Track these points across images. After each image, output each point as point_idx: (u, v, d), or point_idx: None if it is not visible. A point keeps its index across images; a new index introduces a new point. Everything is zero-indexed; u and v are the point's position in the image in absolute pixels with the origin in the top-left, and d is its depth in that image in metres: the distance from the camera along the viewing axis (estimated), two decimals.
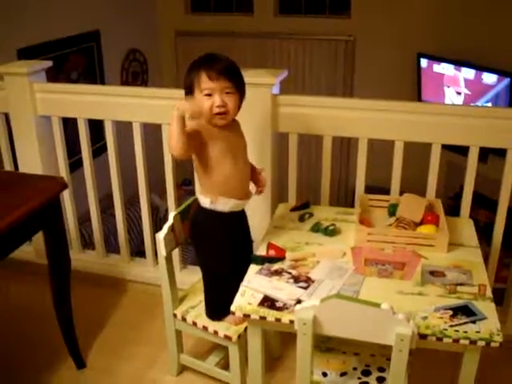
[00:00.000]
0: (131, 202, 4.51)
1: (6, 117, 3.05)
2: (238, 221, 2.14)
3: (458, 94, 5.10)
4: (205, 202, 2.06)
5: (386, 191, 2.61)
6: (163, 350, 2.51)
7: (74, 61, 4.89)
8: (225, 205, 2.04)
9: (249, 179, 2.15)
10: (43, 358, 2.59)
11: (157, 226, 3.09)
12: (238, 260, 2.10)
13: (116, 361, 2.57)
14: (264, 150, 2.57)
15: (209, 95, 1.92)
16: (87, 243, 3.88)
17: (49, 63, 2.98)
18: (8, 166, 3.15)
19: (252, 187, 2.19)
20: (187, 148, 1.89)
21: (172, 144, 1.89)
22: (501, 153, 2.45)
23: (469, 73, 4.93)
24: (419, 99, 5.50)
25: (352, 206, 2.63)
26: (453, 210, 3.99)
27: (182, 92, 2.75)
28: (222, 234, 2.09)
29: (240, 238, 2.18)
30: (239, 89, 1.97)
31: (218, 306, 2.18)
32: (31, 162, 2.99)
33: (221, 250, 2.11)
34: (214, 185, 2.03)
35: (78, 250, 3.24)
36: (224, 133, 1.99)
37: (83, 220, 3.88)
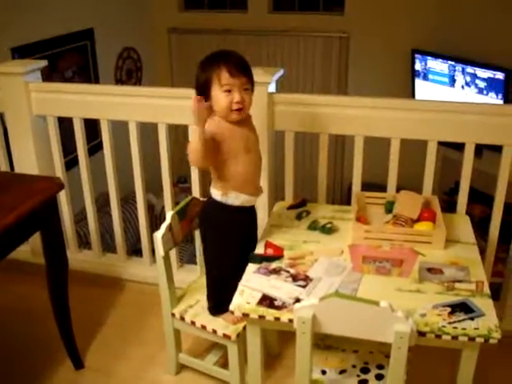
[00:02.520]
0: (126, 200, 4.50)
1: (1, 117, 3.04)
2: (247, 217, 2.15)
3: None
4: (216, 194, 2.07)
5: (382, 187, 2.61)
6: (161, 350, 2.51)
7: (68, 59, 4.87)
8: (235, 199, 2.05)
9: (260, 174, 2.15)
10: (41, 359, 2.58)
11: (153, 225, 3.10)
12: (243, 256, 2.09)
13: (114, 361, 2.57)
14: (260, 149, 2.56)
15: (228, 91, 1.92)
16: (83, 242, 3.88)
17: (44, 62, 2.97)
18: (3, 166, 3.14)
19: None
20: (208, 158, 1.93)
21: (194, 158, 1.91)
22: (495, 148, 2.46)
23: (463, 69, 4.94)
24: (413, 95, 5.51)
25: (347, 201, 2.63)
26: (448, 205, 4.02)
27: (178, 91, 2.75)
28: (231, 227, 2.10)
29: (248, 234, 2.18)
30: (253, 85, 2.01)
31: (221, 301, 2.17)
32: (27, 162, 2.98)
33: (228, 243, 2.11)
34: (226, 179, 2.03)
35: (75, 250, 3.24)
36: (237, 128, 2.00)
37: (79, 218, 3.88)
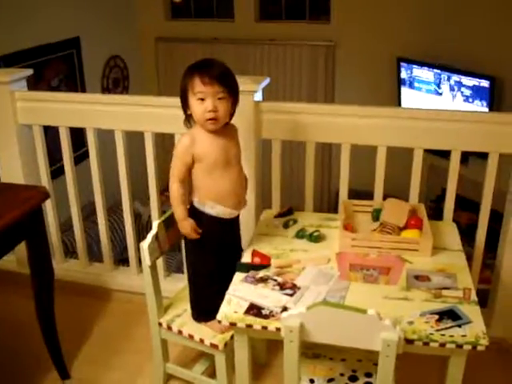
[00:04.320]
0: (113, 209, 4.48)
1: None
2: (227, 226, 2.13)
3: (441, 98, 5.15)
4: (194, 200, 2.07)
5: (369, 194, 2.62)
6: (149, 360, 2.49)
7: (55, 68, 4.85)
8: (211, 209, 2.04)
9: (242, 188, 2.13)
10: (26, 370, 2.55)
11: (140, 233, 3.08)
12: (225, 265, 2.09)
13: (101, 371, 2.55)
14: (247, 157, 2.56)
15: (201, 99, 1.92)
16: (69, 251, 3.85)
17: (29, 71, 2.95)
18: None
19: None
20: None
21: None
22: (482, 155, 2.48)
23: (449, 77, 4.99)
24: (399, 103, 5.54)
25: (335, 209, 2.63)
26: (435, 212, 4.04)
27: (164, 100, 2.75)
28: (207, 234, 2.08)
29: (227, 242, 2.17)
30: (232, 94, 1.98)
31: (202, 307, 2.17)
32: (12, 171, 2.96)
33: (204, 249, 2.10)
34: (202, 190, 2.03)
35: (61, 259, 3.21)
36: (217, 140, 1.99)
37: (65, 228, 3.85)
